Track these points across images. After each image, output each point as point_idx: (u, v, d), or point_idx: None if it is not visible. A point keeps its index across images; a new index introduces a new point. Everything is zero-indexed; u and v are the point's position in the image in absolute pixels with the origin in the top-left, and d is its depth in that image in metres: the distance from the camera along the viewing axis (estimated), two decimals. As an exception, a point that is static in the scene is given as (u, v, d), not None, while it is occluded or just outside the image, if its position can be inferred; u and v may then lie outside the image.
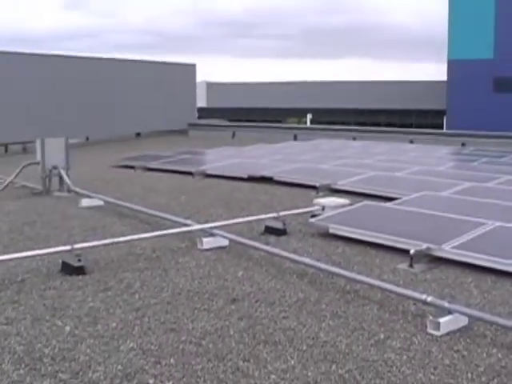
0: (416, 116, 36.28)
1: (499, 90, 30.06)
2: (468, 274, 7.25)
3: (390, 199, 11.15)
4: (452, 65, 31.18)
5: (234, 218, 9.79)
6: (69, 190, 12.53)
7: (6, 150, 23.91)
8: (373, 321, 5.82)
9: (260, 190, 13.13)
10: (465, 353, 5.15)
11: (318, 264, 7.23)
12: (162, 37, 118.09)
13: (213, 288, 6.75)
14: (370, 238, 8.46)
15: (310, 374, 4.77)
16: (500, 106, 29.65)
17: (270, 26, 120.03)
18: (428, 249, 7.70)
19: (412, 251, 7.54)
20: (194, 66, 32.41)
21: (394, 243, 8.17)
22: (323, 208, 9.90)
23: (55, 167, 12.81)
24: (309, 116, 35.13)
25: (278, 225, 9.19)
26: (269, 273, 7.29)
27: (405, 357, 5.06)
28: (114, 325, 5.74)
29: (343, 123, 33.17)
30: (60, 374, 4.77)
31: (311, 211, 9.92)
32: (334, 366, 4.88)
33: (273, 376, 4.73)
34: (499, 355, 5.09)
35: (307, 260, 7.41)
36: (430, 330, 5.54)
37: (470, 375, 4.77)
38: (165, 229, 9.03)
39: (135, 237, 8.39)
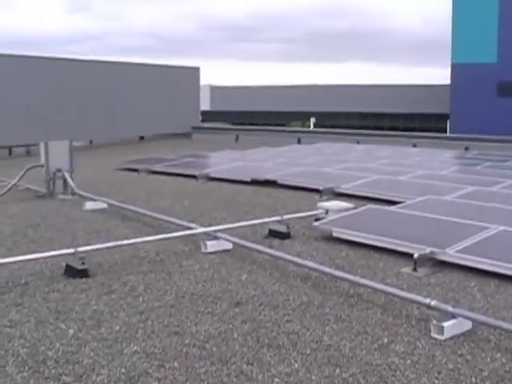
0: (419, 120, 36.24)
1: (503, 95, 30.02)
2: (471, 278, 7.24)
3: (394, 203, 11.14)
4: (455, 69, 31.15)
5: (237, 221, 9.79)
6: (73, 193, 12.55)
7: (10, 153, 23.94)
8: (376, 325, 5.81)
9: (263, 194, 13.13)
10: (469, 357, 5.14)
11: (322, 267, 7.23)
12: (166, 40, 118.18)
13: (216, 291, 6.75)
14: (374, 242, 8.46)
15: (313, 377, 4.76)
16: (503, 111, 29.61)
17: (273, 30, 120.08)
18: (432, 253, 7.69)
19: (416, 255, 7.53)
20: (197, 69, 32.43)
21: (397, 247, 8.17)
22: (327, 211, 9.89)
23: (59, 170, 12.83)
24: (312, 120, 35.11)
25: (282, 228, 9.19)
26: (272, 276, 7.29)
27: (408, 361, 5.05)
28: (117, 328, 5.74)
29: (346, 127, 33.14)
30: (64, 377, 4.77)
31: (315, 215, 9.92)
32: (337, 370, 4.88)
33: (276, 379, 4.73)
34: (503, 360, 5.08)
35: (311, 263, 7.41)
36: (433, 334, 5.54)
37: (473, 380, 4.76)
38: (168, 232, 9.03)
39: (139, 240, 8.39)
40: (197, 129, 31.25)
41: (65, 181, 12.85)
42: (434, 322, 5.61)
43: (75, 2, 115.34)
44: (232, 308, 6.25)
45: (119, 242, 8.20)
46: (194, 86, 32.16)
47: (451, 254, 7.65)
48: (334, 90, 42.53)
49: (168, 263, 7.83)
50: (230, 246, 8.39)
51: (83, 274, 7.22)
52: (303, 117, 38.13)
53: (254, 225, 9.49)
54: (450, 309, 5.71)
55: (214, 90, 48.01)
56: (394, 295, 6.37)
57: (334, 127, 32.05)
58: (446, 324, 5.53)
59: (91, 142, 27.51)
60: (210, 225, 9.57)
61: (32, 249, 8.48)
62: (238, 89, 47.90)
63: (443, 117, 32.86)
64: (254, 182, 14.36)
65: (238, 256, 8.12)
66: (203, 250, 8.31)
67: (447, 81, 32.17)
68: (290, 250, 8.27)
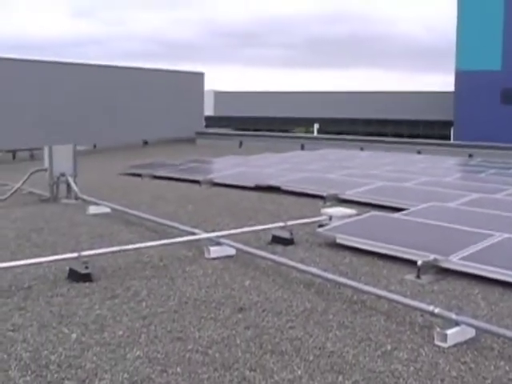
0: (423, 127, 36.26)
1: (506, 102, 30.02)
2: (475, 286, 7.23)
3: (398, 210, 11.13)
4: (459, 76, 31.16)
5: (241, 227, 9.78)
6: (76, 197, 12.56)
7: (14, 157, 23.98)
8: (380, 332, 5.80)
9: (267, 200, 13.13)
10: (472, 365, 5.12)
11: (325, 274, 7.22)
12: (169, 45, 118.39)
13: (220, 297, 6.75)
14: (378, 249, 8.45)
15: (316, 384, 4.76)
16: (507, 118, 29.61)
17: (277, 36, 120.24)
18: (435, 260, 7.68)
19: (419, 262, 7.52)
20: (202, 74, 32.48)
21: (401, 254, 8.15)
22: (330, 218, 9.88)
23: (63, 174, 12.84)
24: (316, 126, 35.12)
25: (285, 234, 9.18)
26: (276, 282, 7.28)
27: (412, 368, 5.04)
28: (120, 333, 5.73)
29: (350, 133, 33.16)
30: (66, 382, 4.76)
31: (318, 221, 9.92)
32: (340, 377, 4.87)
33: (279, 386, 4.73)
34: (507, 368, 5.07)
35: (314, 270, 7.40)
36: (437, 342, 5.52)
37: (477, 387, 4.76)
38: (172, 237, 9.04)
39: (142, 245, 8.39)
40: (201, 134, 31.28)
41: (68, 185, 12.86)
42: (438, 329, 5.60)
43: (78, 7, 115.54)
44: (235, 314, 6.24)
45: (123, 247, 8.20)
46: (198, 91, 32.21)
47: (455, 262, 7.64)
48: (338, 96, 42.56)
49: (171, 268, 7.83)
50: (233, 251, 8.39)
51: (86, 278, 7.22)
52: (307, 123, 38.15)
53: (257, 231, 9.49)
54: (453, 316, 5.70)
55: (218, 95, 48.07)
56: (398, 302, 6.36)
57: (337, 133, 32.07)
58: (449, 331, 5.52)
59: (95, 146, 27.54)
60: (214, 230, 9.56)
61: (35, 253, 8.49)
62: (241, 94, 47.94)
63: (447, 124, 32.88)
64: (258, 188, 14.36)
65: (241, 262, 8.11)
66: (206, 255, 8.31)
67: (451, 88, 32.19)
68: (293, 256, 8.26)
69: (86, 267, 7.28)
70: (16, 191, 12.73)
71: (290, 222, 9.54)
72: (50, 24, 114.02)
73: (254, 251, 8.18)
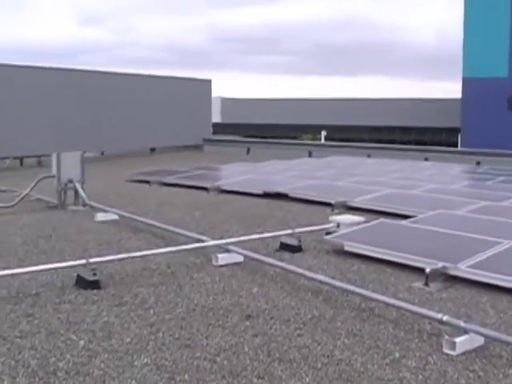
0: (430, 134, 36.25)
1: (513, 109, 30.00)
2: (484, 294, 7.20)
3: (405, 217, 11.11)
4: (466, 83, 31.12)
5: (249, 234, 9.78)
6: (84, 204, 12.57)
7: (22, 163, 24.01)
8: (388, 339, 5.79)
9: (275, 207, 13.13)
10: (481, 373, 5.11)
11: (333, 281, 7.21)
12: (176, 52, 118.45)
13: (227, 304, 6.74)
14: (386, 256, 8.43)
15: (324, 392, 4.75)
16: (514, 125, 29.58)
17: (284, 42, 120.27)
18: (444, 267, 7.66)
19: (427, 270, 7.50)
20: (209, 81, 32.49)
21: (409, 261, 8.13)
22: (338, 225, 9.87)
23: (71, 181, 12.85)
24: (323, 133, 35.11)
25: (293, 241, 9.17)
26: (284, 289, 7.27)
27: (420, 376, 5.02)
28: (128, 340, 5.73)
29: (358, 140, 33.15)
30: (74, 389, 4.77)
31: (326, 228, 9.90)
32: (349, 385, 4.86)
33: (287, 394, 4.72)
34: (516, 376, 5.05)
35: (322, 277, 7.39)
36: (445, 350, 5.51)
37: (486, 396, 4.74)
38: (180, 244, 9.03)
39: (150, 252, 8.39)
40: (208, 141, 31.29)
41: (76, 192, 12.88)
42: (446, 337, 5.58)
43: (86, 14, 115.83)
44: (243, 321, 6.23)
45: (130, 254, 8.20)
46: (205, 98, 32.22)
47: (463, 269, 7.62)
48: (346, 103, 42.58)
49: (179, 275, 7.82)
50: (241, 258, 8.38)
51: (94, 285, 7.22)
52: (314, 130, 38.14)
53: (265, 238, 9.47)
54: (462, 324, 5.68)
55: (225, 102, 48.11)
56: (406, 310, 6.35)
57: (345, 140, 32.07)
58: (458, 339, 5.51)
59: (102, 153, 27.58)
60: (222, 237, 9.56)
61: (43, 259, 8.50)
62: (249, 101, 48.00)
63: (454, 131, 32.84)
64: (266, 195, 14.35)
65: (249, 269, 8.10)
66: (214, 262, 8.31)
67: (458, 95, 32.16)
68: (301, 264, 8.24)
69: (94, 274, 7.29)
70: (24, 198, 12.74)
71: (297, 229, 9.54)
72: (59, 31, 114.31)
73: (262, 258, 8.17)
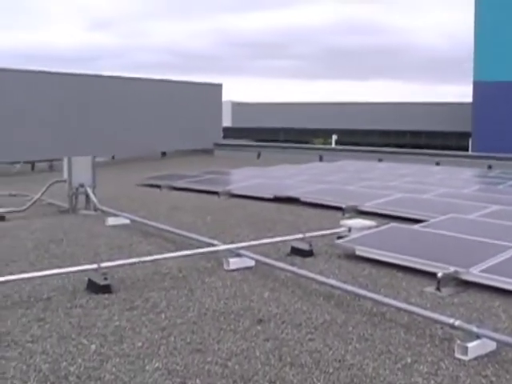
0: (441, 138, 36.18)
1: (524, 113, 29.92)
2: (496, 298, 7.17)
3: (417, 221, 11.08)
4: (477, 86, 31.06)
5: (260, 238, 9.77)
6: (95, 209, 12.59)
7: (33, 168, 24.08)
8: (400, 344, 5.76)
9: (286, 211, 13.11)
10: (493, 378, 5.08)
11: (345, 286, 7.19)
12: (186, 57, 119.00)
13: (239, 308, 6.73)
14: (397, 261, 8.40)
15: (336, 397, 4.73)
16: (526, 129, 29.50)
17: (295, 46, 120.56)
18: (455, 272, 7.63)
19: (439, 274, 7.47)
20: (220, 85, 32.53)
21: (420, 266, 8.10)
22: (349, 229, 9.85)
23: (82, 185, 12.87)
24: (334, 137, 35.10)
25: (305, 246, 9.15)
26: (295, 294, 7.25)
27: (432, 381, 5.00)
28: (139, 344, 5.72)
29: (368, 144, 33.11)
30: (86, 393, 4.76)
31: (337, 232, 9.89)
32: (360, 390, 4.84)
33: (299, 399, 4.70)
34: (529, 381, 5.02)
35: (333, 282, 7.37)
36: (457, 355, 5.48)
37: (499, 401, 4.71)
38: (191, 248, 9.03)
39: (161, 256, 8.40)
40: (219, 145, 31.32)
41: (87, 196, 12.90)
42: (458, 342, 5.55)
43: (95, 20, 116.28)
44: (254, 326, 6.22)
45: (142, 258, 8.20)
46: (216, 102, 32.25)
47: (475, 274, 7.58)
48: (356, 107, 42.56)
49: (190, 280, 7.82)
50: (252, 263, 8.37)
51: (106, 289, 7.22)
52: (325, 134, 38.14)
53: (276, 242, 9.47)
54: (474, 329, 5.65)
55: (236, 106, 48.16)
56: (418, 315, 6.32)
57: (355, 144, 32.04)
58: (470, 344, 5.48)
59: (113, 157, 27.64)
60: (233, 242, 9.55)
61: (54, 264, 8.50)
62: (259, 105, 48.04)
63: (465, 135, 32.77)
64: (277, 199, 14.34)
65: (260, 273, 8.09)
66: (225, 266, 8.30)
67: (468, 98, 32.09)
68: (312, 268, 8.23)
69: (105, 278, 7.29)
70: (35, 202, 12.77)
71: (308, 234, 9.52)
72: (68, 36, 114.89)
73: (273, 263, 8.16)
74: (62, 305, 6.82)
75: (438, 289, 7.41)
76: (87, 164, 13.19)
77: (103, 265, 7.54)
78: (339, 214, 12.40)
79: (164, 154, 29.54)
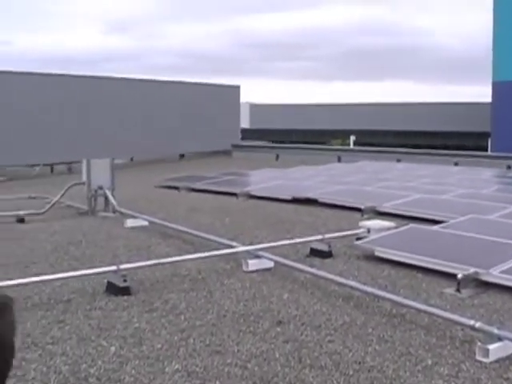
0: (460, 138, 36.01)
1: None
2: (517, 300, 7.13)
3: (436, 222, 11.03)
4: (497, 86, 30.87)
5: (278, 239, 9.75)
6: (114, 211, 12.61)
7: (52, 171, 24.17)
8: (420, 346, 5.73)
9: (304, 212, 13.09)
10: (515, 380, 5.05)
11: (364, 287, 7.17)
12: (203, 59, 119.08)
13: (258, 310, 6.72)
14: (417, 262, 8.36)
15: (356, 399, 4.71)
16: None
17: (310, 48, 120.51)
18: (476, 273, 7.58)
19: (459, 275, 7.43)
20: (238, 87, 32.54)
21: (440, 267, 8.06)
22: (368, 230, 9.82)
23: (101, 187, 12.90)
24: (352, 138, 35.01)
25: (324, 247, 9.13)
26: (314, 295, 7.24)
27: None
28: (159, 346, 5.73)
29: (386, 145, 33.00)
30: (106, 395, 4.77)
31: (356, 234, 9.86)
32: (381, 392, 4.82)
33: (319, 401, 4.69)
34: (550, 383, 4.98)
35: (353, 283, 7.35)
36: (478, 357, 5.44)
37: (520, 403, 4.67)
38: (210, 250, 9.02)
39: (180, 258, 8.41)
40: (237, 147, 31.31)
41: (106, 198, 12.93)
42: (479, 344, 5.52)
43: (113, 23, 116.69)
44: (274, 327, 6.21)
45: (161, 260, 8.21)
46: (234, 104, 32.26)
47: (495, 275, 7.54)
48: (374, 108, 42.47)
49: (209, 281, 7.82)
50: (271, 264, 8.36)
51: (125, 291, 7.24)
52: (343, 135, 38.05)
53: (295, 243, 9.45)
54: (495, 331, 5.61)
55: (254, 107, 48.15)
56: (438, 316, 6.29)
57: (373, 145, 31.95)
58: (491, 346, 5.44)
59: (132, 159, 27.69)
60: (251, 243, 9.55)
61: (74, 266, 8.53)
62: (277, 107, 48.01)
63: (483, 135, 32.59)
64: (295, 201, 14.32)
65: (279, 275, 8.08)
66: (244, 268, 8.29)
67: (487, 99, 31.92)
68: (331, 269, 8.21)
69: (125, 280, 7.30)
70: (54, 204, 12.81)
71: (327, 235, 9.50)
72: (85, 40, 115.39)
73: (293, 264, 8.15)
74: (82, 307, 6.84)
75: (457, 290, 7.37)
76: (106, 166, 13.23)
77: (122, 267, 7.56)
78: (358, 214, 12.36)
79: (182, 155, 29.56)
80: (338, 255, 9.14)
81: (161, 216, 12.01)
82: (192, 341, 5.85)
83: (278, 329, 6.17)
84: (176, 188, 16.91)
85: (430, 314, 6.37)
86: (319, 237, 9.38)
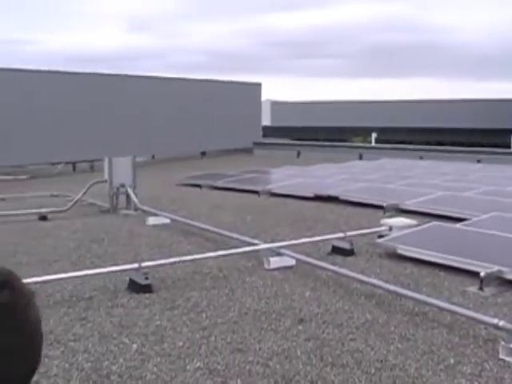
0: (482, 135, 35.77)
1: None
2: (540, 298, 7.07)
3: (459, 220, 10.96)
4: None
5: (300, 237, 9.74)
6: (136, 208, 12.64)
7: (74, 169, 24.26)
8: (442, 345, 5.70)
9: (326, 210, 13.06)
10: (539, 379, 5.00)
11: (386, 285, 7.14)
12: (225, 56, 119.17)
13: (280, 308, 6.71)
14: (439, 260, 8.31)
15: (379, 397, 4.69)
16: None
17: (333, 45, 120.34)
18: (499, 271, 7.52)
19: (482, 274, 7.37)
20: (259, 85, 32.52)
21: (463, 265, 8.00)
22: (390, 228, 9.78)
23: (122, 185, 12.94)
24: (373, 135, 34.87)
25: (345, 245, 9.10)
26: (336, 293, 7.22)
27: (476, 383, 4.93)
28: (180, 344, 5.73)
29: (408, 142, 32.84)
30: (128, 393, 4.78)
31: (378, 231, 9.82)
32: (403, 391, 4.79)
33: (341, 399, 4.67)
34: None
35: (375, 281, 7.33)
36: (502, 356, 5.39)
37: (544, 403, 4.63)
38: (231, 248, 9.02)
39: (202, 255, 8.40)
40: (258, 144, 31.30)
41: (128, 196, 12.97)
42: (503, 343, 5.47)
43: (136, 21, 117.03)
44: (295, 325, 6.20)
45: (182, 258, 8.22)
46: (255, 101, 32.26)
47: (519, 273, 7.48)
48: (396, 105, 42.30)
49: (231, 279, 7.81)
50: (293, 262, 8.33)
51: (147, 289, 7.25)
52: (364, 132, 37.91)
53: (316, 241, 9.43)
54: (519, 329, 5.57)
55: (275, 105, 48.10)
56: (460, 315, 6.25)
57: (395, 142, 31.82)
58: (514, 345, 5.40)
59: (153, 157, 27.75)
60: (273, 241, 9.54)
61: (96, 263, 8.56)
62: (298, 104, 47.95)
63: (507, 132, 32.36)
64: (317, 198, 14.29)
65: (301, 272, 8.06)
66: (266, 266, 8.28)
67: (509, 95, 31.70)
68: (353, 267, 8.18)
69: (146, 278, 7.31)
70: (76, 202, 12.87)
71: (349, 233, 9.47)
72: (109, 38, 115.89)
73: (314, 262, 8.13)
74: (104, 304, 6.86)
75: (480, 288, 7.32)
76: (128, 164, 13.27)
77: (144, 264, 7.57)
78: (380, 212, 12.31)
79: (204, 153, 29.57)
80: (360, 253, 9.11)
81: (182, 214, 12.02)
82: (213, 339, 5.85)
83: (300, 327, 6.15)
84: (198, 186, 16.93)
85: (453, 313, 6.33)
86: (341, 234, 9.35)
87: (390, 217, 11.16)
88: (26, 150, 21.71)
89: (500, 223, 10.15)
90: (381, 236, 9.56)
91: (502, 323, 5.70)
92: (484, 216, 10.72)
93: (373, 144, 33.68)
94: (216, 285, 7.58)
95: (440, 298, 6.94)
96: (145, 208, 12.35)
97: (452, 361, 5.34)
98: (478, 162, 24.19)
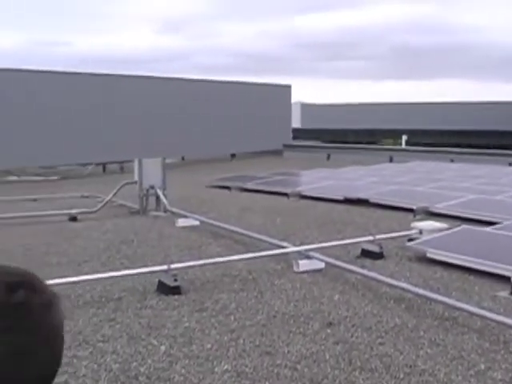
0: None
1: None
2: None
3: (490, 223, 10.86)
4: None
5: (329, 240, 9.70)
6: (165, 210, 12.68)
7: (104, 170, 24.40)
8: (472, 350, 5.64)
9: (356, 213, 13.01)
10: None
11: (416, 289, 7.09)
12: (255, 58, 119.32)
13: (308, 311, 6.69)
14: (469, 264, 8.24)
15: (407, 403, 4.66)
16: None
17: (363, 47, 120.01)
18: (530, 276, 7.45)
19: (513, 278, 7.31)
20: (289, 87, 32.52)
21: (493, 269, 7.93)
22: (421, 232, 9.72)
23: (152, 187, 12.98)
24: (404, 137, 34.70)
25: (375, 248, 9.06)
26: (365, 297, 7.18)
27: (507, 389, 4.89)
28: (208, 346, 5.73)
29: (438, 145, 32.64)
30: (156, 395, 4.78)
31: (408, 235, 9.76)
32: (432, 396, 4.75)
33: (369, 404, 4.64)
34: None
35: (404, 285, 7.27)
36: (533, 362, 5.34)
37: None
38: (260, 250, 9.01)
39: (231, 258, 8.40)
40: (288, 147, 31.28)
41: (157, 197, 13.00)
42: (534, 348, 5.42)
43: (166, 23, 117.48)
44: (324, 329, 6.17)
45: (211, 260, 8.23)
46: (285, 103, 32.24)
47: (551, 278, 7.40)
48: (426, 107, 42.10)
49: (260, 282, 7.80)
50: (322, 265, 8.31)
51: (176, 290, 7.26)
52: (394, 134, 37.74)
53: (346, 244, 9.39)
54: (550, 335, 5.50)
55: (305, 107, 48.05)
56: (491, 320, 6.19)
57: (425, 145, 31.64)
58: (546, 351, 5.34)
59: (183, 158, 27.82)
60: (302, 243, 9.51)
61: (125, 265, 8.59)
62: (328, 106, 47.85)
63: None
64: (346, 201, 14.24)
65: (330, 276, 8.03)
66: (295, 269, 8.26)
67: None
68: (382, 271, 8.13)
69: (175, 280, 7.32)
70: (106, 203, 12.93)
71: (379, 236, 9.42)
72: (140, 40, 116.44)
73: (343, 265, 8.10)
74: (133, 305, 6.88)
75: (511, 293, 7.25)
76: (157, 165, 13.31)
77: (173, 266, 7.58)
78: (410, 215, 12.24)
79: (233, 155, 29.61)
80: (390, 256, 9.06)
81: (212, 216, 12.03)
82: (242, 341, 5.84)
83: (329, 330, 6.13)
84: (227, 188, 16.94)
85: (483, 318, 6.27)
86: (370, 238, 9.31)
87: (420, 220, 11.09)
88: (56, 152, 21.88)
89: (532, 227, 10.04)
90: (411, 239, 9.49)
91: (533, 329, 5.65)
92: (515, 220, 10.63)
93: (403, 146, 33.51)
94: (245, 287, 7.57)
95: (470, 302, 6.88)
96: (174, 210, 12.38)
97: (482, 366, 5.29)
98: (510, 165, 23.98)
